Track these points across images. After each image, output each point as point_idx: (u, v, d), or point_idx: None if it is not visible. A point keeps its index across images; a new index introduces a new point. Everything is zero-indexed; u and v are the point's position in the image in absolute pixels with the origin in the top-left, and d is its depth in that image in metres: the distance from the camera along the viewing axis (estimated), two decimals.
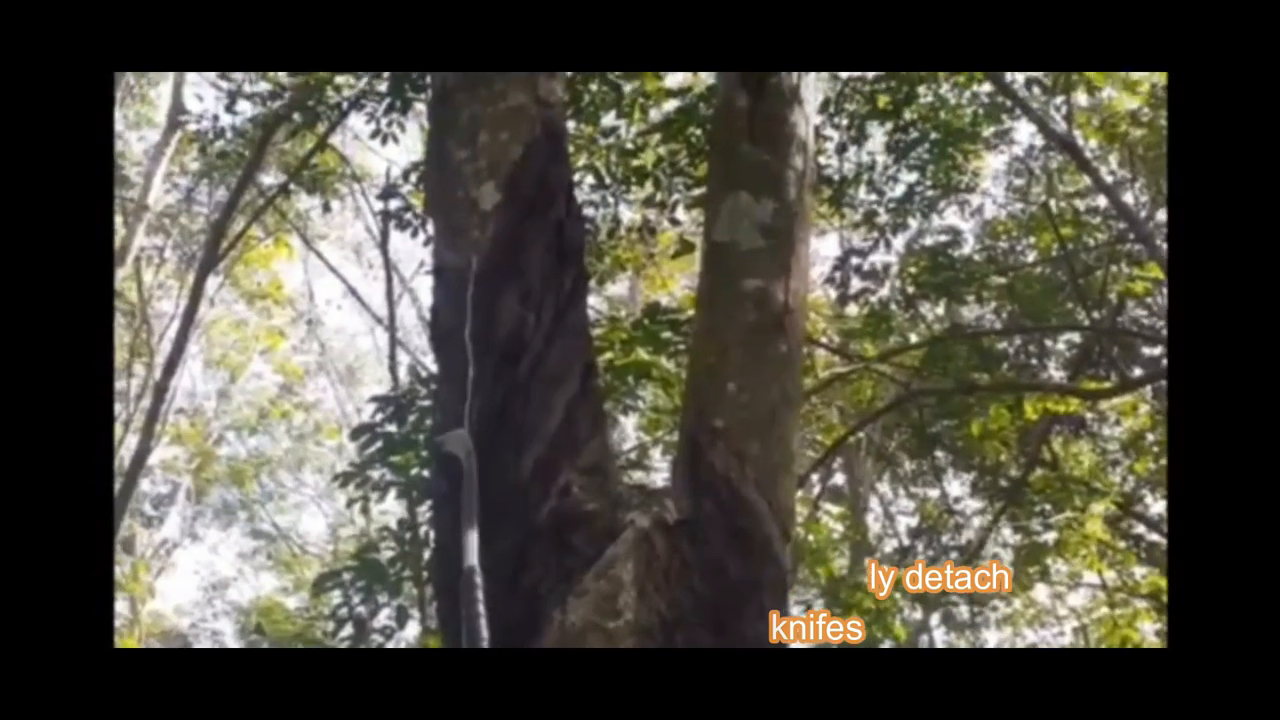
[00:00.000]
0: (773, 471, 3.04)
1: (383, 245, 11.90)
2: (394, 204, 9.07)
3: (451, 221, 3.23)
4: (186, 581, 31.39)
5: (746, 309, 3.17)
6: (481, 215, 3.15)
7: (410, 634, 10.47)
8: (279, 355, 18.71)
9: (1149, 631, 11.96)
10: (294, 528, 21.04)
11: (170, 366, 12.42)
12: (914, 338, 10.62)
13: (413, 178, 8.76)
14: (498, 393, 2.99)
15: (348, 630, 6.86)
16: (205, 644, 17.71)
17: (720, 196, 3.39)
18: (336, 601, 6.80)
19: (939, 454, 13.28)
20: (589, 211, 8.67)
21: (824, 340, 10.82)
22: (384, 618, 7.21)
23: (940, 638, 16.06)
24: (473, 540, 2.63)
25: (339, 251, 18.46)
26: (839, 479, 16.30)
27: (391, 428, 6.69)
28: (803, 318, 3.35)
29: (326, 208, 11.91)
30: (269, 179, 12.82)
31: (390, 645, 8.46)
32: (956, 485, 14.73)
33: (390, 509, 9.67)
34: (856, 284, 8.86)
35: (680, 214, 8.60)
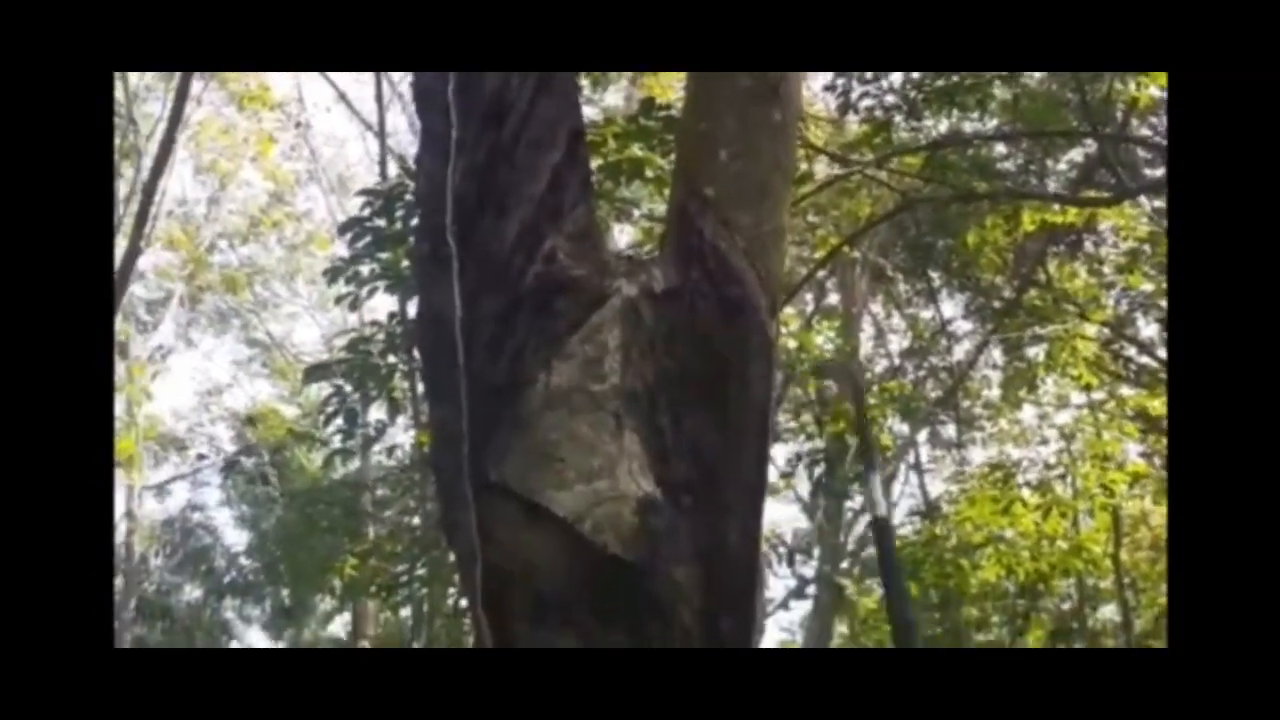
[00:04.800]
0: (762, 241, 2.97)
1: None
2: None
3: None
4: (182, 386, 31.75)
5: (741, 75, 3.05)
6: None
7: (402, 438, 10.61)
8: (269, 163, 18.41)
9: (1134, 452, 12.14)
10: (288, 337, 21.14)
11: (158, 168, 12.22)
12: None
13: None
14: (481, 154, 2.91)
15: (339, 424, 6.92)
16: (203, 449, 17.99)
17: None
18: (329, 393, 6.82)
19: (933, 274, 13.24)
20: None
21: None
22: (375, 412, 7.26)
23: (925, 454, 16.34)
24: None
25: None
26: (833, 299, 16.29)
27: (380, 222, 6.61)
28: (798, 86, 3.23)
29: None
30: None
31: (381, 443, 8.53)
32: (949, 307, 14.76)
33: (380, 314, 9.66)
34: (858, 89, 8.61)
35: None
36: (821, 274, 14.05)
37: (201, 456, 15.84)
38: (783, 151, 3.11)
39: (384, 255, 6.66)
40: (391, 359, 6.71)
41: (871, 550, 15.97)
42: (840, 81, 9.17)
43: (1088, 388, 10.79)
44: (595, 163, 6.56)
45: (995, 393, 14.39)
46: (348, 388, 6.57)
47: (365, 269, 6.71)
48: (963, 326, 14.82)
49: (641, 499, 2.61)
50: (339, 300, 7.29)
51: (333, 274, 6.89)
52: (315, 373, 6.97)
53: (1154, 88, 9.16)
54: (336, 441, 7.14)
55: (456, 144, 2.92)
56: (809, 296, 15.23)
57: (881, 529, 3.58)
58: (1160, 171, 12.39)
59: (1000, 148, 10.66)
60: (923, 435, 15.74)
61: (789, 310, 12.80)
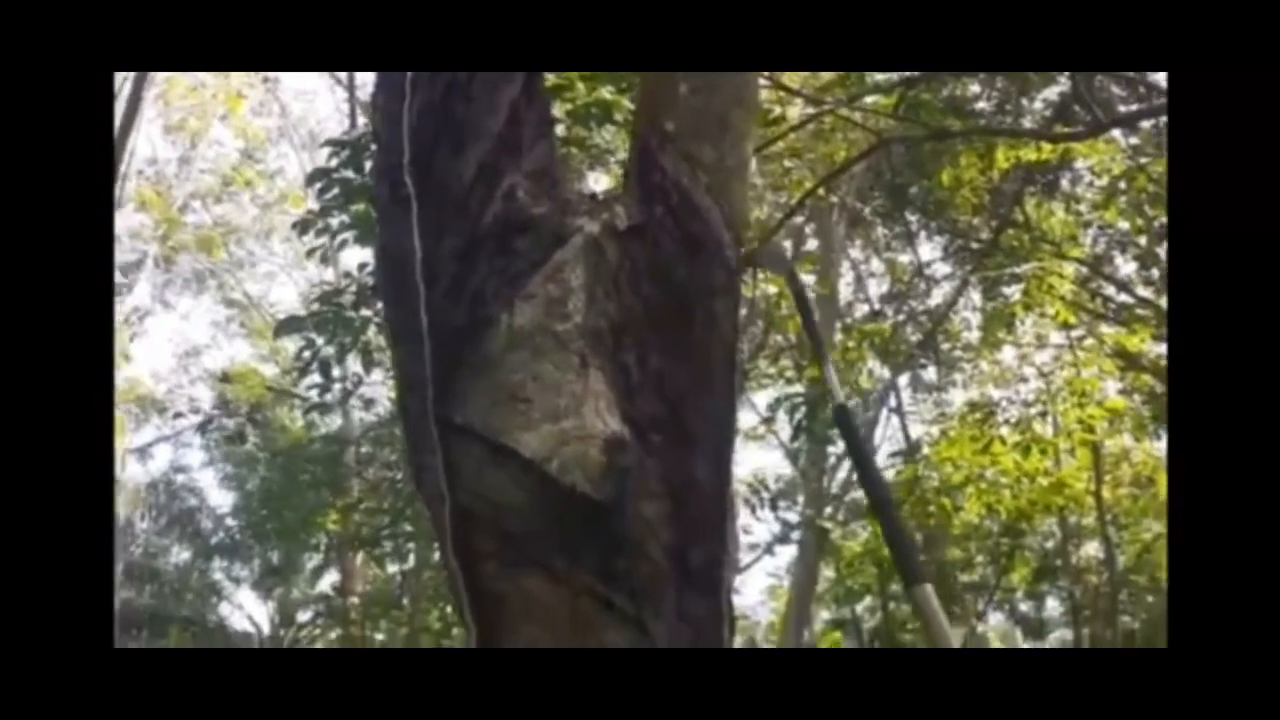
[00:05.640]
0: (725, 176, 2.94)
1: None
2: None
3: None
4: (161, 349, 31.65)
5: None
6: None
7: (381, 391, 10.57)
8: (239, 120, 18.21)
9: (1112, 389, 12.19)
10: (265, 296, 21.05)
11: (125, 126, 12.11)
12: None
13: None
14: (438, 90, 2.86)
15: (315, 378, 6.87)
16: (182, 408, 17.90)
17: None
18: (302, 346, 6.77)
19: (911, 218, 13.21)
20: None
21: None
22: (352, 366, 7.20)
23: (906, 398, 16.39)
24: None
25: None
26: (812, 244, 16.27)
27: (349, 173, 6.54)
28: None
29: None
30: None
31: (359, 396, 8.46)
32: (927, 250, 14.76)
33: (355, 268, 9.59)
34: None
35: None
36: (800, 220, 14.00)
37: (178, 415, 15.76)
38: (744, 84, 3.07)
39: (354, 207, 6.59)
40: (365, 311, 6.65)
41: (856, 494, 16.10)
42: None
43: (1066, 325, 10.80)
44: (565, 108, 6.48)
45: (975, 334, 14.42)
46: (319, 340, 6.51)
47: (335, 221, 6.64)
48: (941, 269, 14.84)
49: (609, 437, 2.58)
50: (310, 253, 7.22)
51: (302, 227, 6.82)
52: (287, 325, 6.91)
53: None
54: (313, 396, 7.09)
55: (412, 82, 2.88)
56: (787, 243, 15.19)
57: (843, 413, 3.59)
58: (1135, 106, 12.36)
59: (974, 87, 10.60)
60: (904, 379, 15.80)
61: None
